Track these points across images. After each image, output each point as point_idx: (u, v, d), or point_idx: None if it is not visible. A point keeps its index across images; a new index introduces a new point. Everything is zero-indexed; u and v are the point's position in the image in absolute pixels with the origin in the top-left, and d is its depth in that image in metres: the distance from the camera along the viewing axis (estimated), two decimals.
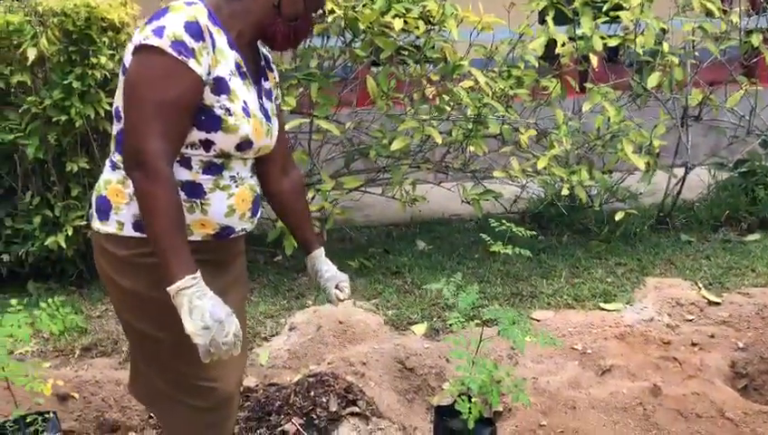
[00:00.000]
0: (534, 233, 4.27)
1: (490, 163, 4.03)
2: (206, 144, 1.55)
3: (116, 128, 1.60)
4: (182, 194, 1.55)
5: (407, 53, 3.58)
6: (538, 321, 3.16)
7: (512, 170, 3.69)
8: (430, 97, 3.66)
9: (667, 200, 4.33)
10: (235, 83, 1.56)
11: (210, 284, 1.55)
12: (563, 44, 3.79)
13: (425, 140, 3.60)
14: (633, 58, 4.10)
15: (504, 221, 2.38)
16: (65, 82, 3.24)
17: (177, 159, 1.54)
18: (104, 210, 1.61)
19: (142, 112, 1.46)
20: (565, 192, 3.62)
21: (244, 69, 1.60)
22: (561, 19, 3.96)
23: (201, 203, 1.58)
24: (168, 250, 1.45)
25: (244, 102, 1.57)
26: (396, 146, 3.44)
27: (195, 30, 1.47)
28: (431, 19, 3.43)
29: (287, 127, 3.43)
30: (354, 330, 3.04)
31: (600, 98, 3.70)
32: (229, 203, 1.61)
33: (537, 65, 3.75)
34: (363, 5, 3.38)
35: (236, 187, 1.62)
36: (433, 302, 3.39)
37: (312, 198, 3.71)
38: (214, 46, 1.52)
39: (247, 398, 2.56)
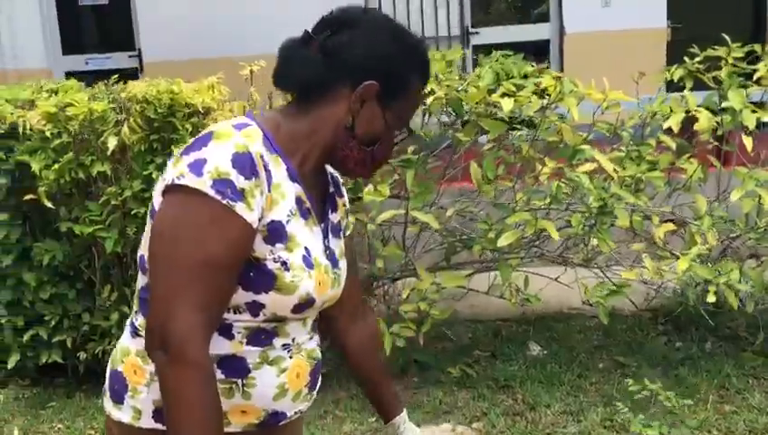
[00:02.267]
0: (668, 338, 3.69)
1: (615, 256, 3.46)
2: (254, 307, 1.17)
3: (140, 282, 1.24)
4: (218, 372, 1.16)
5: (517, 133, 3.13)
6: None
7: (644, 270, 3.11)
8: (545, 183, 3.18)
9: None
10: (295, 227, 1.19)
11: None
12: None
13: (538, 233, 3.11)
14: None
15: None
16: (146, 173, 3.03)
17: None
18: (118, 390, 1.24)
19: (172, 274, 1.10)
20: (711, 298, 2.99)
21: (308, 204, 1.22)
22: (696, 85, 3.41)
23: (243, 384, 1.19)
24: None
25: (306, 250, 1.20)
26: (504, 241, 2.96)
27: (245, 163, 1.11)
28: (546, 96, 2.97)
29: (379, 218, 3.06)
30: None
31: (752, 184, 3.08)
32: (280, 382, 1.22)
33: (674, 146, 3.19)
34: (468, 83, 2.98)
35: (291, 357, 1.23)
36: (549, 430, 2.84)
37: (407, 298, 3.28)
38: (270, 182, 1.15)
39: None
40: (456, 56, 3.23)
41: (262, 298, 1.16)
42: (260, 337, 1.19)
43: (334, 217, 1.32)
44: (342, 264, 1.32)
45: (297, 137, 1.21)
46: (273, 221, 1.16)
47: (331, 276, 1.26)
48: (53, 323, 3.23)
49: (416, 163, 3.05)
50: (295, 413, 1.27)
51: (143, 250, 1.21)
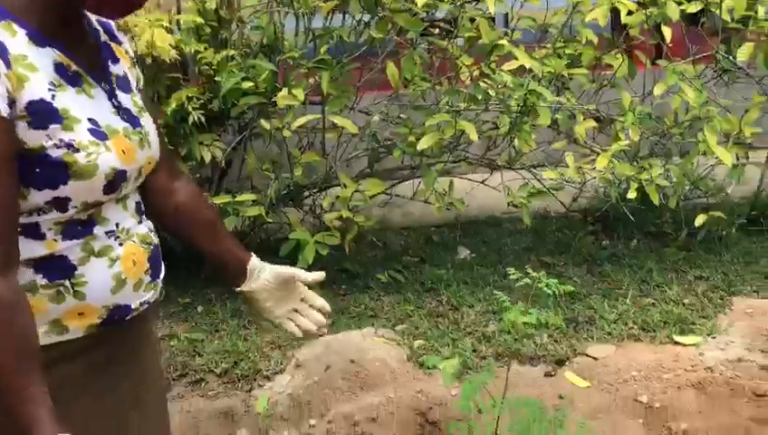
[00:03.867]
0: (596, 237, 3.71)
1: (543, 157, 3.42)
2: (59, 203, 1.03)
3: None
4: (38, 277, 1.05)
5: (436, 31, 3.01)
6: (595, 359, 2.58)
7: (566, 170, 3.08)
8: (467, 83, 3.08)
9: (760, 195, 3.60)
10: (65, 99, 1.02)
11: (104, 399, 1.11)
12: (630, 12, 3.12)
13: (459, 135, 3.04)
14: (719, 25, 3.37)
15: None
16: None
17: (19, 229, 1.03)
18: None
19: None
20: (632, 194, 2.99)
21: (74, 67, 1.05)
22: None
23: (72, 284, 1.07)
24: (22, 408, 0.96)
25: (91, 121, 1.04)
26: (424, 144, 2.89)
27: None
28: None
29: (295, 124, 2.95)
30: (368, 371, 2.54)
31: (676, 78, 3.02)
32: (115, 272, 1.10)
33: (596, 40, 3.10)
34: None
35: (120, 245, 1.11)
36: (469, 329, 2.85)
37: (332, 206, 3.22)
38: (5, 57, 0.97)
39: None
40: None
41: (63, 192, 1.03)
42: (75, 229, 1.07)
43: (118, 69, 1.16)
44: (145, 120, 1.15)
45: None
46: (31, 102, 0.98)
47: (135, 139, 1.11)
48: None
49: (331, 65, 2.92)
50: (141, 305, 1.16)
51: None
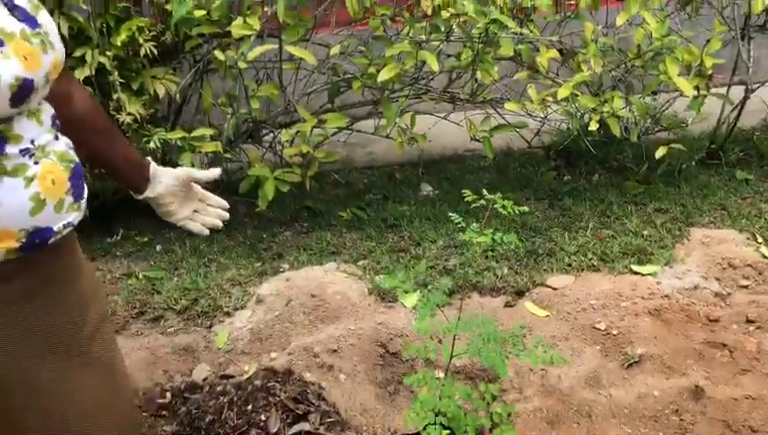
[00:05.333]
0: (558, 173, 3.71)
1: (505, 91, 3.38)
2: None
3: None
4: None
5: None
6: (554, 289, 2.60)
7: (528, 101, 3.04)
8: (429, 13, 3.00)
9: (720, 129, 3.62)
10: None
11: (33, 336, 1.07)
12: None
13: (420, 66, 2.97)
14: None
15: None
16: None
17: None
18: None
19: None
20: (594, 126, 2.97)
21: None
22: None
23: None
24: None
25: None
26: (384, 76, 2.83)
27: None
28: None
29: (251, 55, 2.85)
30: (329, 305, 2.53)
31: (638, 8, 2.98)
32: (32, 192, 1.05)
33: None
34: None
35: (36, 163, 1.06)
36: (431, 264, 2.85)
37: (291, 142, 3.15)
38: None
39: (186, 399, 2.10)
40: None
41: None
42: None
43: None
44: (42, 18, 1.09)
45: None
46: None
47: (36, 40, 1.04)
48: None
49: None
50: (64, 226, 1.11)
51: None
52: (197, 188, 1.39)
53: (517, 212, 1.50)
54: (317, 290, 2.59)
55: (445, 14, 2.89)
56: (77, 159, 1.14)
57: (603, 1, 3.42)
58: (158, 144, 2.88)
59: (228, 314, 2.61)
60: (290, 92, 3.17)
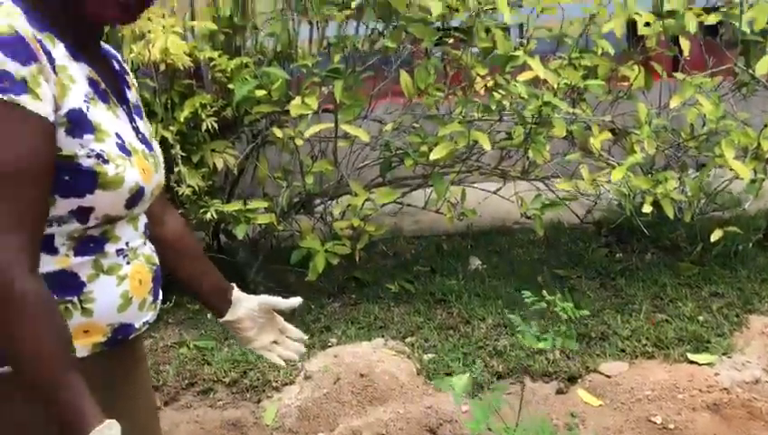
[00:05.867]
0: (610, 250, 3.67)
1: (557, 168, 3.38)
2: (82, 214, 1.02)
3: None
4: None
5: (450, 40, 2.98)
6: (608, 377, 2.54)
7: (581, 181, 3.04)
8: (481, 93, 3.05)
9: None
10: (97, 113, 1.03)
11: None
12: (647, 24, 3.09)
13: (473, 145, 3.01)
14: (737, 37, 3.33)
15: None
16: None
17: None
18: None
19: None
20: (647, 209, 2.95)
21: (103, 85, 1.07)
22: None
23: (80, 301, 1.05)
24: (63, 397, 0.95)
25: (118, 136, 1.05)
26: (436, 154, 2.87)
27: (17, 46, 0.93)
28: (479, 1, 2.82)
29: (308, 132, 2.93)
30: (377, 385, 2.52)
31: (693, 91, 2.98)
32: (122, 290, 1.09)
33: (613, 51, 3.07)
34: None
35: (128, 263, 1.11)
36: (480, 344, 2.82)
37: (343, 215, 3.20)
38: (53, 65, 0.97)
39: None
40: None
41: (87, 201, 1.02)
42: (88, 245, 1.06)
43: (131, 96, 1.19)
44: (156, 145, 1.19)
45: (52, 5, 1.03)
46: (72, 110, 0.99)
47: (151, 161, 1.13)
48: None
49: (344, 74, 2.90)
50: (143, 325, 1.16)
51: None
52: (279, 318, 1.39)
53: (578, 316, 1.48)
54: (365, 369, 2.59)
55: (497, 95, 2.94)
56: (158, 263, 1.20)
57: (656, 76, 3.43)
58: (215, 215, 2.96)
59: (277, 390, 2.62)
60: (342, 166, 3.24)
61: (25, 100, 0.93)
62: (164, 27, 2.88)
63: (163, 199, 1.30)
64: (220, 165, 3.10)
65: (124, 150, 1.06)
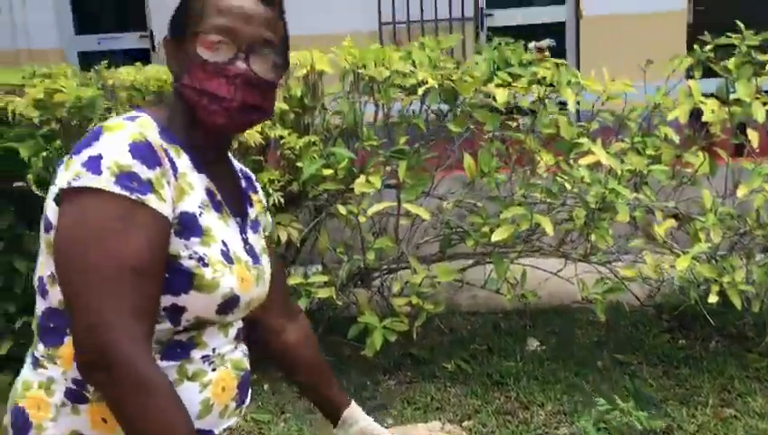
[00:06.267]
0: (672, 336, 3.58)
1: (618, 252, 3.35)
2: (174, 313, 1.07)
3: (40, 307, 1.12)
4: None
5: (514, 124, 3.03)
6: None
7: (643, 267, 3.01)
8: (543, 177, 3.08)
9: None
10: (208, 219, 1.11)
11: None
12: (712, 111, 3.09)
13: (534, 228, 3.02)
14: None
15: None
16: None
17: None
18: (21, 428, 1.10)
19: (96, 286, 0.98)
20: (713, 298, 2.89)
21: (219, 196, 1.15)
22: (709, 72, 3.26)
23: None
24: None
25: (224, 244, 1.11)
26: (498, 236, 2.89)
27: (146, 152, 1.03)
28: (544, 87, 2.87)
29: (371, 211, 2.99)
30: None
31: (761, 180, 2.95)
32: (204, 397, 1.12)
33: (677, 139, 3.07)
34: (463, 72, 2.88)
35: (213, 370, 1.14)
36: (540, 431, 2.77)
37: (401, 292, 3.22)
38: (175, 171, 1.07)
39: None
40: (452, 43, 3.13)
41: (181, 300, 1.07)
42: (175, 350, 1.10)
43: (251, 212, 1.26)
44: (264, 260, 1.24)
45: (178, 118, 1.14)
46: (184, 213, 1.07)
47: (254, 273, 1.18)
48: None
49: (409, 155, 2.97)
50: (224, 431, 1.18)
51: (41, 271, 1.11)
52: None
53: (651, 427, 1.45)
54: None
55: (560, 179, 2.95)
56: (248, 367, 1.22)
57: (720, 160, 3.40)
58: None
59: None
60: (402, 242, 3.27)
61: (151, 199, 1.02)
62: None
63: (286, 307, 1.37)
64: (284, 238, 3.17)
65: (227, 258, 1.11)
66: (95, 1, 7.14)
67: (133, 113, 1.13)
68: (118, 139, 1.04)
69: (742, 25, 3.31)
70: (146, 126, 1.08)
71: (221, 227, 1.13)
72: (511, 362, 3.33)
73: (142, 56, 6.51)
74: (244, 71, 1.09)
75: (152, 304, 1.03)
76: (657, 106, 3.07)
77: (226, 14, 1.09)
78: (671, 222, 3.01)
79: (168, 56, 1.16)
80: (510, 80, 2.84)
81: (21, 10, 6.54)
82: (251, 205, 1.27)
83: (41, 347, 1.12)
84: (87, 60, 6.57)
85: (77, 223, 1.02)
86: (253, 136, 2.98)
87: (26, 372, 1.15)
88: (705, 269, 2.94)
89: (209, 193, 1.13)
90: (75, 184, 1.01)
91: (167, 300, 1.07)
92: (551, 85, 2.99)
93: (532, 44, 6.64)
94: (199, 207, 1.10)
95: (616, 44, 5.81)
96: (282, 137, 3.12)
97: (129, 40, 6.75)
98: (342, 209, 3.00)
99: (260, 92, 1.11)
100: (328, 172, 2.95)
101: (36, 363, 1.12)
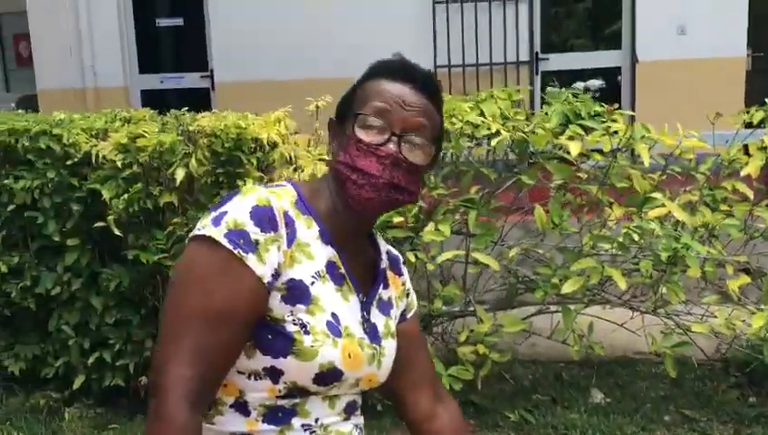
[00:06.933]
0: (741, 392, 3.51)
1: (687, 305, 3.31)
2: (273, 374, 1.12)
3: None
4: None
5: (585, 176, 3.05)
6: None
7: (715, 322, 2.97)
8: (612, 227, 3.08)
9: None
10: (321, 290, 1.15)
11: None
12: None
13: (604, 281, 3.01)
14: None
15: None
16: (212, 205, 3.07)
17: (231, 398, 1.14)
18: None
19: (173, 320, 1.09)
20: None
21: (343, 270, 1.19)
22: None
23: None
24: None
25: (333, 316, 1.15)
26: (568, 288, 2.88)
27: (264, 216, 1.11)
28: (617, 140, 2.89)
29: (440, 259, 3.02)
30: None
31: None
32: None
33: (752, 196, 3.05)
34: (535, 125, 2.92)
35: None
36: None
37: (466, 340, 3.22)
38: (292, 239, 1.13)
39: None
40: (522, 96, 3.17)
41: (280, 363, 1.11)
42: (276, 415, 1.14)
43: (384, 293, 1.28)
44: (387, 343, 1.24)
45: (321, 192, 1.22)
46: (293, 280, 1.13)
47: (368, 351, 1.19)
48: (117, 347, 3.31)
49: (478, 203, 3.00)
50: None
51: None
52: None
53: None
54: None
55: (632, 232, 2.95)
56: None
57: None
58: None
59: None
60: (469, 289, 3.29)
61: (250, 258, 1.08)
62: (312, 156, 3.10)
63: (436, 392, 1.37)
64: None
65: (333, 330, 1.14)
66: (159, 41, 7.42)
67: (282, 182, 1.23)
68: (245, 201, 1.13)
69: None
70: (280, 194, 1.16)
71: (336, 300, 1.16)
72: (575, 414, 3.30)
73: (202, 96, 6.74)
74: (394, 152, 1.15)
75: (211, 355, 1.08)
76: (733, 161, 3.05)
77: (385, 99, 1.16)
78: (745, 278, 2.98)
79: (330, 135, 1.23)
80: (582, 132, 2.86)
81: (89, 50, 6.81)
82: (386, 286, 1.28)
83: None
84: (149, 98, 6.82)
85: (184, 264, 1.13)
86: None
87: None
88: None
89: (331, 265, 1.17)
90: (198, 232, 1.12)
91: (267, 361, 1.12)
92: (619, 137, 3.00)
93: (579, 84, 6.70)
94: (312, 276, 1.14)
95: (673, 90, 5.80)
96: None
97: (191, 79, 6.98)
98: (411, 256, 3.04)
99: (406, 174, 1.16)
100: (399, 220, 2.99)
101: None
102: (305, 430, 1.16)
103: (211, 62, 6.81)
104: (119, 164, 3.13)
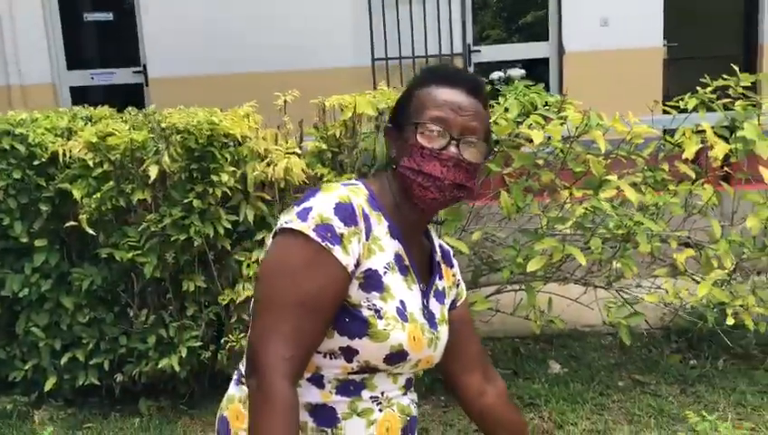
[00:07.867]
0: (683, 356, 3.84)
1: (636, 279, 3.59)
2: (348, 353, 1.26)
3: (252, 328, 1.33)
4: (310, 421, 1.27)
5: (541, 162, 3.26)
6: None
7: (665, 295, 3.25)
8: (568, 208, 3.31)
9: None
10: (392, 279, 1.28)
11: None
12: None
13: (564, 258, 3.24)
14: None
15: None
16: (186, 201, 3.11)
17: (308, 374, 1.27)
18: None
19: (269, 307, 1.21)
20: (730, 321, 3.15)
21: (407, 262, 1.32)
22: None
23: (333, 433, 1.28)
24: None
25: (401, 303, 1.28)
26: (532, 267, 3.09)
27: (346, 212, 1.24)
28: (574, 129, 3.11)
29: None
30: None
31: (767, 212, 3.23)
32: (369, 432, 1.29)
33: (693, 175, 3.34)
34: (498, 116, 3.11)
35: (380, 411, 1.31)
36: None
37: None
38: (369, 233, 1.26)
39: None
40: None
41: (355, 344, 1.24)
42: (348, 387, 1.28)
43: (439, 283, 1.40)
44: (442, 329, 1.37)
45: (387, 191, 1.34)
46: (369, 269, 1.25)
47: (428, 336, 1.31)
48: (91, 346, 3.30)
49: None
50: None
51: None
52: None
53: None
54: None
55: (580, 209, 3.17)
56: (415, 414, 1.38)
57: (722, 189, 3.67)
58: None
59: None
60: None
61: (337, 250, 1.21)
62: (283, 150, 3.18)
63: (486, 371, 1.50)
64: None
65: (401, 315, 1.27)
66: (87, 36, 7.21)
67: (352, 180, 1.35)
68: (328, 198, 1.25)
69: (736, 68, 3.63)
70: (356, 192, 1.28)
71: (403, 289, 1.30)
72: (537, 384, 3.53)
73: (134, 91, 6.62)
74: (456, 155, 1.27)
75: (305, 337, 1.21)
76: (679, 145, 3.34)
77: (442, 107, 1.28)
78: (690, 251, 3.27)
79: (389, 141, 1.35)
80: (542, 122, 3.07)
81: (12, 46, 6.56)
82: (440, 277, 1.41)
83: (243, 365, 1.31)
84: (79, 95, 6.63)
85: (276, 255, 1.25)
86: (299, 176, 3.14)
87: (232, 386, 1.37)
88: (720, 294, 3.19)
89: (398, 257, 1.30)
90: (286, 226, 1.23)
91: (343, 341, 1.25)
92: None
93: (495, 74, 7.00)
94: (385, 267, 1.27)
95: (597, 79, 6.14)
96: (323, 175, 3.29)
97: (122, 75, 6.83)
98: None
99: (467, 173, 1.29)
100: None
101: (239, 380, 1.34)
102: (373, 401, 1.30)
103: (144, 56, 6.68)
104: (89, 163, 3.12)
